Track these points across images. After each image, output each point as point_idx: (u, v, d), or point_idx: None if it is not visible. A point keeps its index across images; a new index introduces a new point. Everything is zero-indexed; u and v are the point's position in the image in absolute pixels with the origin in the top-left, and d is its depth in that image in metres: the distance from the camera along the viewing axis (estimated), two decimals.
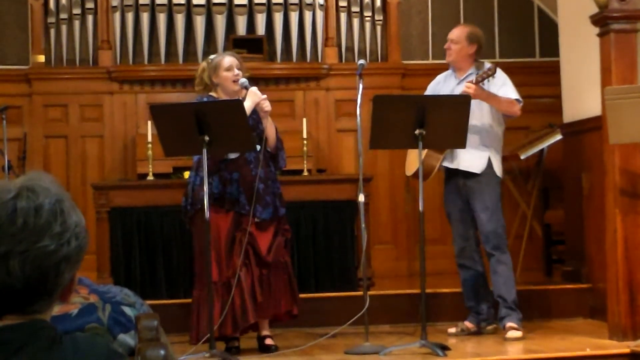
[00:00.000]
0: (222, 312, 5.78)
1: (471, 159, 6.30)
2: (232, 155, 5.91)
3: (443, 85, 6.52)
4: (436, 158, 6.33)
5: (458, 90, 6.32)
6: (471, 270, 6.44)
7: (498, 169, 6.36)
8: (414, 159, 6.37)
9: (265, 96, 5.90)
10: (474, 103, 6.19)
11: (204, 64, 6.09)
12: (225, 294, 5.82)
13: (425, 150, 6.21)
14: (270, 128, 5.93)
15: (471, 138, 6.21)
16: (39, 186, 1.73)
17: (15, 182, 1.74)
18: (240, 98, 5.87)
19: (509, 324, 6.21)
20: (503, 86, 6.27)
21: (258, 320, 5.96)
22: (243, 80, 5.93)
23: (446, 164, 6.37)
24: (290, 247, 6.17)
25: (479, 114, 6.29)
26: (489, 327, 6.45)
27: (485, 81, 6.20)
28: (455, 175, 6.39)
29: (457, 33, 6.46)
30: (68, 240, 1.71)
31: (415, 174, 6.28)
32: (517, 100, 6.29)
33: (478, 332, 6.43)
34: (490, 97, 6.23)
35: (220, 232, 5.86)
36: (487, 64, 6.39)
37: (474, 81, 6.16)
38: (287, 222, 6.13)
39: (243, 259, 5.84)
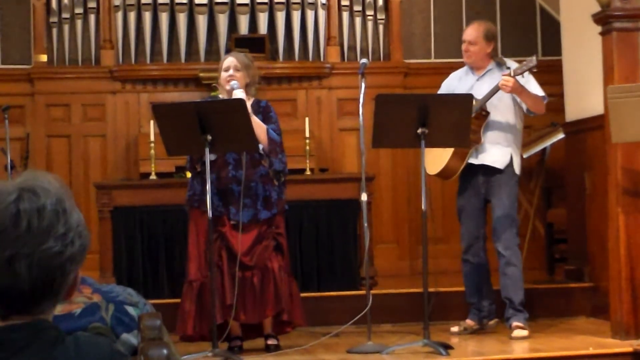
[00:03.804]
0: (197, 310, 5.86)
1: (496, 154, 6.27)
2: (212, 157, 5.88)
3: (459, 84, 6.45)
4: (462, 157, 6.28)
5: (478, 87, 6.27)
6: (475, 265, 6.42)
7: (517, 166, 6.33)
8: (433, 158, 6.33)
9: (242, 98, 5.85)
10: (497, 99, 6.18)
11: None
12: (201, 293, 5.86)
13: (451, 150, 6.21)
14: (257, 129, 5.85)
15: (495, 134, 6.20)
16: (39, 187, 1.72)
17: (13, 183, 1.73)
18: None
19: (515, 323, 6.20)
20: (528, 82, 6.23)
21: (246, 322, 5.96)
22: (233, 82, 5.91)
23: (470, 160, 6.33)
24: (284, 251, 6.03)
25: (503, 111, 6.26)
26: (491, 322, 6.45)
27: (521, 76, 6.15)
28: (474, 173, 6.34)
29: (474, 34, 6.41)
30: (72, 240, 1.71)
31: (440, 174, 6.28)
32: (543, 97, 6.27)
33: (480, 329, 6.43)
34: (524, 92, 6.18)
35: (199, 233, 5.87)
36: (509, 60, 6.37)
37: (512, 74, 6.11)
38: (280, 226, 6.02)
39: (216, 260, 5.83)
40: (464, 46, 6.44)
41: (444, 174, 6.38)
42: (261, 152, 5.92)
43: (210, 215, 5.66)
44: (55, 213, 1.70)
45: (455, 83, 6.49)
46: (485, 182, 6.34)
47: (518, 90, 6.13)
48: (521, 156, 7.89)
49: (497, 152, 6.27)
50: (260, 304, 5.88)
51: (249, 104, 5.86)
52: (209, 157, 5.76)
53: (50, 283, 1.70)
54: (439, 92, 6.57)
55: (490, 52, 6.42)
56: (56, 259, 1.69)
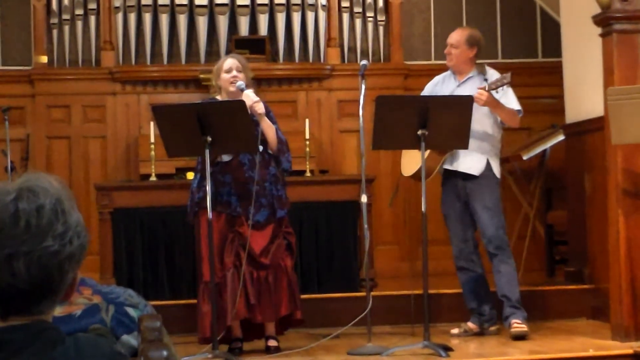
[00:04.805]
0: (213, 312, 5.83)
1: (470, 161, 6.31)
2: (226, 158, 5.90)
3: (442, 86, 6.52)
4: (436, 160, 6.33)
5: (459, 92, 6.33)
6: (470, 272, 6.44)
7: (497, 170, 6.38)
8: (410, 160, 6.38)
9: (257, 99, 5.88)
10: (474, 108, 6.19)
11: (214, 67, 6.12)
12: (217, 294, 5.83)
13: (428, 152, 6.22)
14: (268, 130, 5.90)
15: (471, 142, 6.21)
16: (38, 187, 1.73)
17: (13, 183, 1.74)
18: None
19: (514, 321, 6.21)
20: (506, 94, 6.26)
21: (260, 322, 5.96)
22: (240, 82, 5.93)
23: (445, 166, 6.38)
24: (294, 250, 6.11)
25: (479, 118, 6.28)
26: (492, 328, 6.45)
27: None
28: (454, 177, 6.39)
29: (456, 37, 6.46)
30: (70, 239, 1.71)
31: (415, 175, 6.29)
32: (517, 111, 6.30)
33: (481, 333, 6.43)
34: (498, 106, 6.22)
35: (214, 234, 5.87)
36: (490, 70, 6.39)
37: (486, 88, 6.14)
38: (289, 225, 6.10)
39: (234, 261, 5.84)
40: (446, 49, 6.49)
41: (418, 175, 6.38)
42: (271, 152, 5.95)
43: (210, 215, 5.66)
44: (54, 212, 1.71)
45: (439, 87, 6.53)
46: (464, 186, 6.36)
47: (492, 104, 6.17)
48: (519, 156, 7.91)
49: (471, 159, 6.31)
50: (275, 303, 5.90)
51: (262, 104, 5.88)
52: (223, 157, 5.85)
53: (48, 282, 1.70)
54: (422, 93, 6.60)
55: (472, 58, 6.45)
56: (54, 257, 1.70)
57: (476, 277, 6.44)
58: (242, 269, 5.81)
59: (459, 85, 6.42)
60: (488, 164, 6.33)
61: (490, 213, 6.29)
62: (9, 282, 1.67)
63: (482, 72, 6.40)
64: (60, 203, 1.73)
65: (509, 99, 6.28)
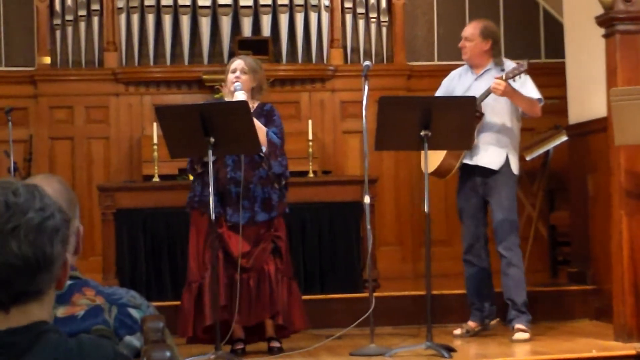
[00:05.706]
0: (195, 311, 5.86)
1: (490, 155, 6.28)
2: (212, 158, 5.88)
3: (458, 82, 6.48)
4: (457, 156, 6.30)
5: (476, 86, 6.28)
6: (477, 267, 6.42)
7: (515, 167, 6.34)
8: (430, 157, 6.33)
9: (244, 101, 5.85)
10: (493, 100, 6.18)
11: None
12: (200, 294, 5.87)
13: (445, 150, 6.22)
14: (257, 132, 5.84)
15: (490, 135, 6.21)
16: (7, 180, 1.76)
17: None
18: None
19: (517, 326, 6.20)
20: (524, 84, 6.23)
21: (240, 324, 5.96)
22: (237, 83, 5.92)
23: (465, 160, 6.34)
24: (282, 255, 6.00)
25: (499, 112, 6.27)
26: (492, 322, 6.44)
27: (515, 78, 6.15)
28: (472, 173, 6.35)
29: (470, 30, 6.44)
30: (52, 213, 1.73)
31: (435, 172, 6.27)
32: (538, 99, 6.28)
33: (482, 330, 6.42)
34: (516, 96, 6.19)
35: (199, 234, 5.87)
36: (508, 61, 6.38)
37: (503, 77, 6.12)
38: (280, 229, 5.99)
39: (212, 262, 5.83)
40: (460, 43, 6.47)
41: (439, 172, 6.37)
42: (262, 154, 5.92)
43: (213, 217, 5.66)
44: (30, 192, 1.74)
45: (455, 82, 6.50)
46: (482, 182, 6.34)
47: (510, 93, 6.14)
48: (522, 157, 7.90)
49: (491, 153, 6.28)
50: (255, 307, 5.87)
51: (250, 106, 5.86)
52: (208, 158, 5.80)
53: (41, 255, 1.70)
54: (439, 90, 6.59)
55: (488, 50, 6.42)
56: (41, 229, 1.71)
57: (482, 273, 6.43)
58: (221, 271, 5.80)
59: (476, 79, 6.39)
60: (507, 159, 6.30)
61: (505, 214, 6.25)
62: (2, 261, 1.68)
63: (499, 64, 6.38)
64: (35, 186, 1.75)
65: (528, 87, 6.24)
